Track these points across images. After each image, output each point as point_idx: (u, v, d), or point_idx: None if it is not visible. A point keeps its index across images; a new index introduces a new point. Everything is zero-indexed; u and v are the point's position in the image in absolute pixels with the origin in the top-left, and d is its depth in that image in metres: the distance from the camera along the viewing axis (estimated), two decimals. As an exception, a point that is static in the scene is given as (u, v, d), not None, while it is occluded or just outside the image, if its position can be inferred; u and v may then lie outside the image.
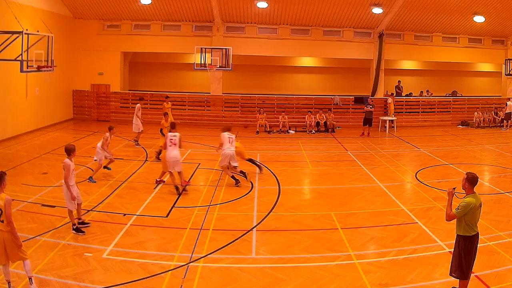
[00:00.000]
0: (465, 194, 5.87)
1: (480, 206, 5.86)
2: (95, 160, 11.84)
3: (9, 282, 5.98)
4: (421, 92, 25.23)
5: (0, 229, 5.80)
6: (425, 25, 22.51)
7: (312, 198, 11.01)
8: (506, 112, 22.32)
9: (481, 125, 22.85)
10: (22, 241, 7.15)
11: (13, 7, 15.19)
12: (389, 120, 21.34)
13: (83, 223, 8.29)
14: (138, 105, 16.61)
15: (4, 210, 5.75)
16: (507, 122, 22.22)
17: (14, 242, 5.88)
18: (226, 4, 20.55)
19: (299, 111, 22.26)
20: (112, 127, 12.41)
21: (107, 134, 12.00)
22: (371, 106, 20.05)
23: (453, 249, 6.03)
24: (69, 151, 8.02)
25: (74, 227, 8.01)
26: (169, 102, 18.33)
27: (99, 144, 11.80)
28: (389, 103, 21.90)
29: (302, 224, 8.84)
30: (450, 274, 5.97)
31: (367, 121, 19.89)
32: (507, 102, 22.43)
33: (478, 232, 5.86)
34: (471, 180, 5.82)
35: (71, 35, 21.39)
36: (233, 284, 6.42)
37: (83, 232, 7.97)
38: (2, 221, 5.78)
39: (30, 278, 6.05)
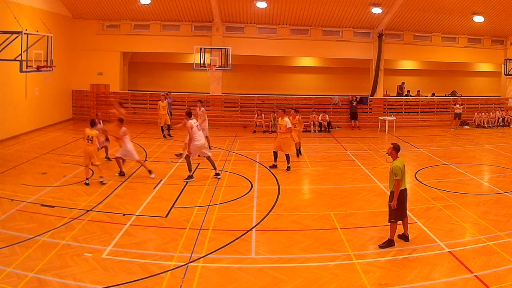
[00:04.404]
0: (391, 160, 7.62)
1: (404, 166, 7.55)
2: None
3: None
4: (418, 91, 25.14)
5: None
6: (424, 25, 22.52)
7: (311, 198, 11.00)
8: (456, 112, 22.24)
9: (481, 125, 22.85)
10: (21, 241, 7.29)
11: (13, 7, 15.19)
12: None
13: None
14: (203, 108, 15.26)
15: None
16: (457, 121, 22.32)
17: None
18: (226, 4, 20.55)
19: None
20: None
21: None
22: (355, 103, 22.28)
23: (388, 202, 7.70)
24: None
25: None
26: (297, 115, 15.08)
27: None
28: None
29: (301, 224, 8.84)
30: (389, 221, 7.63)
31: (353, 115, 22.43)
32: (456, 102, 22.51)
33: (406, 188, 7.64)
34: (397, 148, 7.67)
35: (71, 35, 21.39)
36: (233, 284, 6.42)
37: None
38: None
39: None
